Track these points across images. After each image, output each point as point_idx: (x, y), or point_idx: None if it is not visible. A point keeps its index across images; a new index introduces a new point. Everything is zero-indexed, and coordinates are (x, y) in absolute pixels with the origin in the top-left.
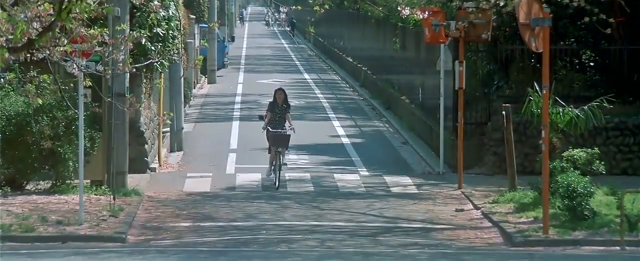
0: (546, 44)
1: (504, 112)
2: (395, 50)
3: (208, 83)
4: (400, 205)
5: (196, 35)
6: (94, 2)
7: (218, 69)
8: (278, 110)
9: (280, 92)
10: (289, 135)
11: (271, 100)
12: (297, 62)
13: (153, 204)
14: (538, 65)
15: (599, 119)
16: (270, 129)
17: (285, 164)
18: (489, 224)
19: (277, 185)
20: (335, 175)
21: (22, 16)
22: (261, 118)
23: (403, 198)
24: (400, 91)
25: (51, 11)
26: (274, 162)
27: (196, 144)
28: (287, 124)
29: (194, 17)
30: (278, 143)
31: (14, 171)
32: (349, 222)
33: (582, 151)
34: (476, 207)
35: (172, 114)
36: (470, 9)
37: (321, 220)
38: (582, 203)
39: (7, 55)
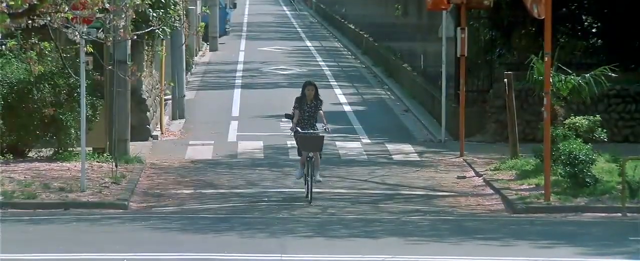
0: (548, 10)
1: (505, 80)
2: (397, 17)
3: (210, 51)
4: (402, 173)
5: (198, 2)
6: None
7: (220, 36)
8: (307, 107)
9: (310, 86)
10: (323, 137)
11: (299, 95)
12: (299, 30)
13: (155, 171)
14: (540, 31)
15: (601, 86)
16: (300, 130)
17: (318, 180)
18: (491, 191)
19: (309, 197)
20: (337, 143)
21: None
22: (288, 117)
23: (405, 165)
24: (402, 58)
25: None
26: (305, 169)
27: (197, 112)
28: (319, 124)
29: None
30: (309, 146)
31: (16, 138)
32: (350, 189)
33: (584, 118)
34: (478, 174)
35: (172, 84)
36: None
37: (323, 187)
38: (584, 170)
39: (8, 21)
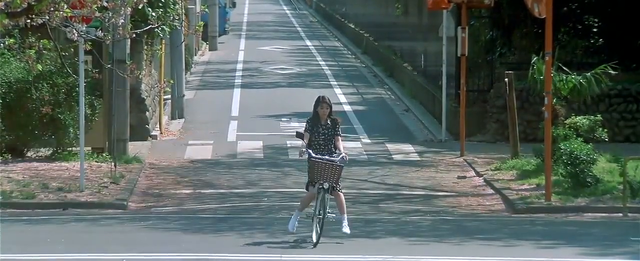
0: (549, 9)
1: (506, 79)
2: (397, 17)
3: (209, 50)
4: (402, 173)
5: (197, 1)
6: None
7: (219, 36)
8: (322, 129)
9: (324, 104)
10: (342, 167)
11: (311, 115)
12: (299, 29)
13: (154, 171)
14: (541, 31)
15: (602, 85)
16: (313, 155)
17: (346, 231)
18: (491, 191)
19: (315, 239)
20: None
21: None
22: (300, 136)
23: (405, 165)
24: (402, 58)
25: None
26: (314, 205)
27: (197, 112)
28: (339, 152)
29: None
30: (324, 176)
31: (14, 138)
32: (350, 189)
33: (585, 118)
34: (478, 174)
35: (172, 81)
36: None
37: None
38: (585, 170)
39: (6, 20)
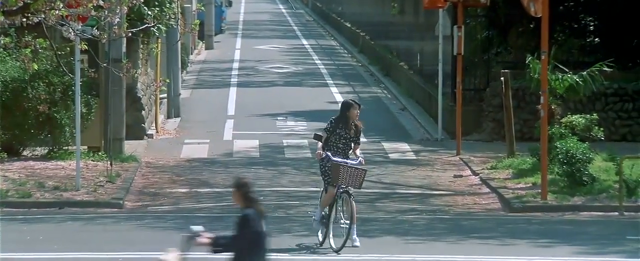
0: (545, 8)
1: (502, 78)
2: (393, 16)
3: (205, 49)
4: (398, 171)
5: (193, 0)
6: None
7: (215, 34)
8: (344, 132)
9: (356, 104)
10: (366, 171)
11: (336, 116)
12: (295, 28)
13: (150, 170)
14: (537, 30)
15: (599, 85)
16: (333, 157)
17: (356, 245)
18: (487, 190)
19: (336, 246)
20: None
21: None
22: (318, 138)
23: (401, 164)
24: (398, 57)
25: None
26: (330, 209)
27: (193, 110)
28: (356, 157)
29: None
30: (349, 181)
31: (10, 137)
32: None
33: (581, 117)
34: (474, 173)
35: (168, 80)
36: None
37: (319, 186)
38: (581, 169)
39: (2, 19)
